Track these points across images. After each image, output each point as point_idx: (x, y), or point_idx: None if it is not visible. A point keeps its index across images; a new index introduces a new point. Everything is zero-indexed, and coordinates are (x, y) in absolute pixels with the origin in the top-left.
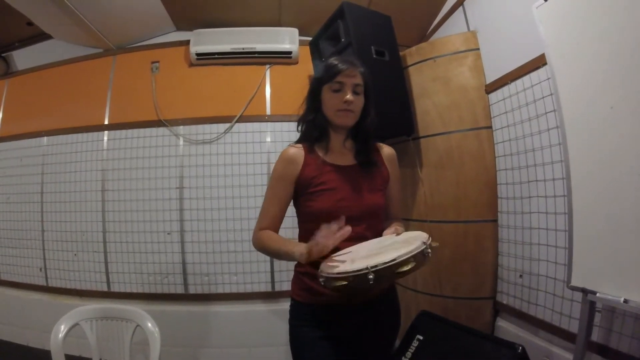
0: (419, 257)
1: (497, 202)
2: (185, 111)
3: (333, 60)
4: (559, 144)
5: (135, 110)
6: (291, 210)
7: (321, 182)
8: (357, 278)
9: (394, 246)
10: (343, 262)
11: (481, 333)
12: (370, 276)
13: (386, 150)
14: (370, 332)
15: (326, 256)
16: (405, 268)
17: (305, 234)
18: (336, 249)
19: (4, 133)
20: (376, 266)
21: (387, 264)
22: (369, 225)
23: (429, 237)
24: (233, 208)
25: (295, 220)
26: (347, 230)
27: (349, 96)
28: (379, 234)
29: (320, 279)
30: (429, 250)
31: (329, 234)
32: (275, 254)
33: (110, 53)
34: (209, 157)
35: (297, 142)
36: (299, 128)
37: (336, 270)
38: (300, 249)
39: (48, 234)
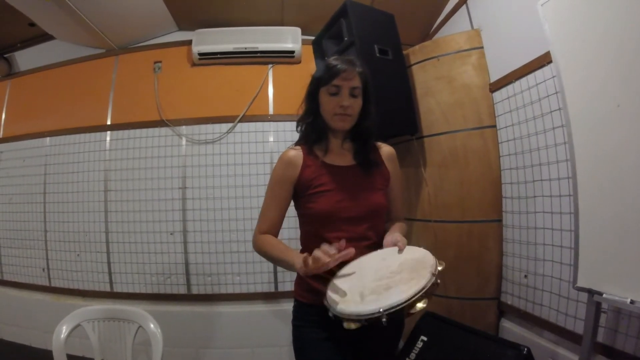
0: (430, 290)
1: (501, 202)
2: (187, 111)
3: (331, 61)
4: (564, 142)
5: (137, 111)
6: (291, 210)
7: (320, 183)
8: (370, 320)
9: (401, 276)
10: (349, 279)
11: (486, 334)
12: (384, 319)
13: (386, 149)
14: (373, 333)
15: (330, 271)
16: (419, 305)
17: (306, 236)
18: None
19: (6, 134)
20: (390, 309)
21: (401, 306)
22: (370, 225)
23: (436, 262)
24: (236, 208)
25: (293, 220)
26: (350, 252)
27: (345, 101)
28: (381, 233)
29: (330, 314)
30: (439, 281)
31: (328, 253)
32: (274, 261)
33: (113, 53)
34: (211, 157)
35: (297, 143)
36: (299, 129)
37: (348, 311)
38: (300, 260)
39: (51, 234)
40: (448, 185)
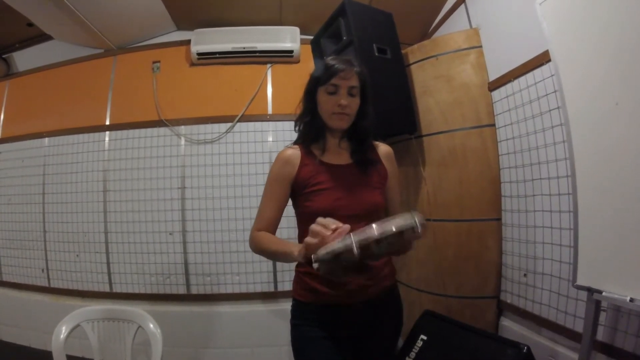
0: (407, 236)
1: (500, 201)
2: (186, 111)
3: (329, 61)
4: (563, 141)
5: (136, 110)
6: (289, 210)
7: (318, 182)
8: (342, 256)
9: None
10: None
11: (485, 332)
12: (357, 251)
13: (383, 148)
14: (372, 332)
15: None
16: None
17: (304, 235)
18: None
19: (5, 134)
20: (359, 241)
21: (372, 239)
22: (368, 224)
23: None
24: (235, 208)
25: (293, 220)
26: (346, 227)
27: (343, 100)
28: None
29: (315, 265)
30: (419, 229)
31: (327, 226)
32: (272, 256)
33: (111, 53)
34: (210, 157)
35: (295, 142)
36: (297, 128)
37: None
38: (299, 247)
39: (50, 234)
40: (447, 185)
